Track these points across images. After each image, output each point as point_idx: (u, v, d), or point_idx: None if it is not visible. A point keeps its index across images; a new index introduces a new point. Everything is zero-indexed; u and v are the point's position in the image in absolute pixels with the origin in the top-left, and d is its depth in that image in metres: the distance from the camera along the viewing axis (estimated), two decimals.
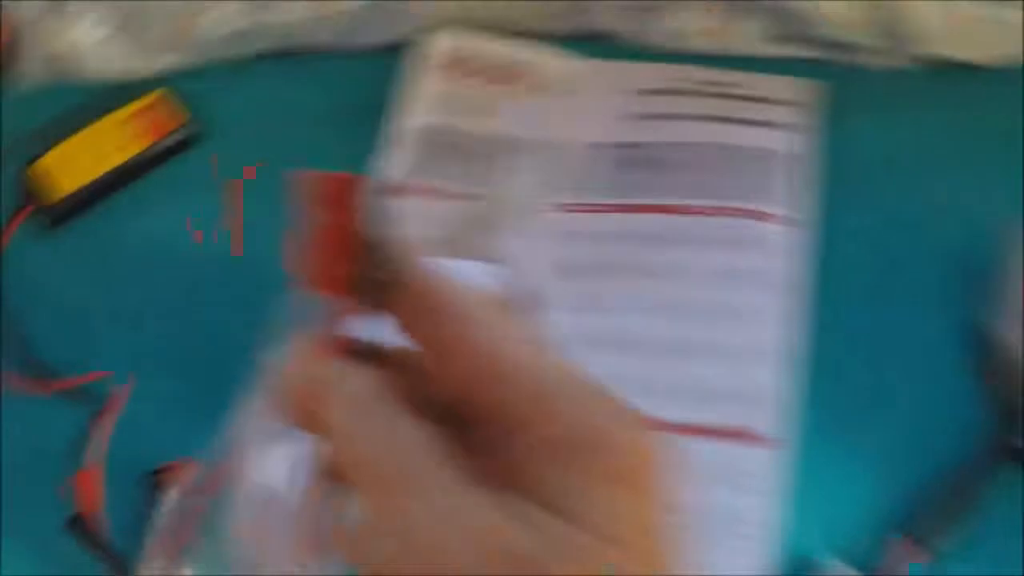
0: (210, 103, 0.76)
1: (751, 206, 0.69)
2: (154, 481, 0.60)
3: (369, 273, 0.35)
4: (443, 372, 0.34)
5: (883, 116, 0.73)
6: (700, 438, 0.62)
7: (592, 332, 0.64)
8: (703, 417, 0.62)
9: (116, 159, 0.73)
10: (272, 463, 0.56)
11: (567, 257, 0.67)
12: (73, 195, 0.72)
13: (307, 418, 0.35)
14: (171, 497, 0.59)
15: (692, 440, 0.61)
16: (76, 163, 0.73)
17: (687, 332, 0.65)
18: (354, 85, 0.77)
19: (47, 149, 0.73)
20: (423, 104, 0.75)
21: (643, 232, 0.69)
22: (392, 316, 0.35)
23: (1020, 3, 0.73)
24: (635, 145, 0.72)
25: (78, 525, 0.59)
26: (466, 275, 0.58)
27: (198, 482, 0.59)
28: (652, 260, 0.68)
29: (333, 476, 0.35)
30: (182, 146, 0.75)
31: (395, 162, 0.73)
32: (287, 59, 0.79)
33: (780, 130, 0.72)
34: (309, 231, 0.35)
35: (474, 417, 0.34)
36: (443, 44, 0.77)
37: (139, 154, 0.74)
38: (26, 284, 0.70)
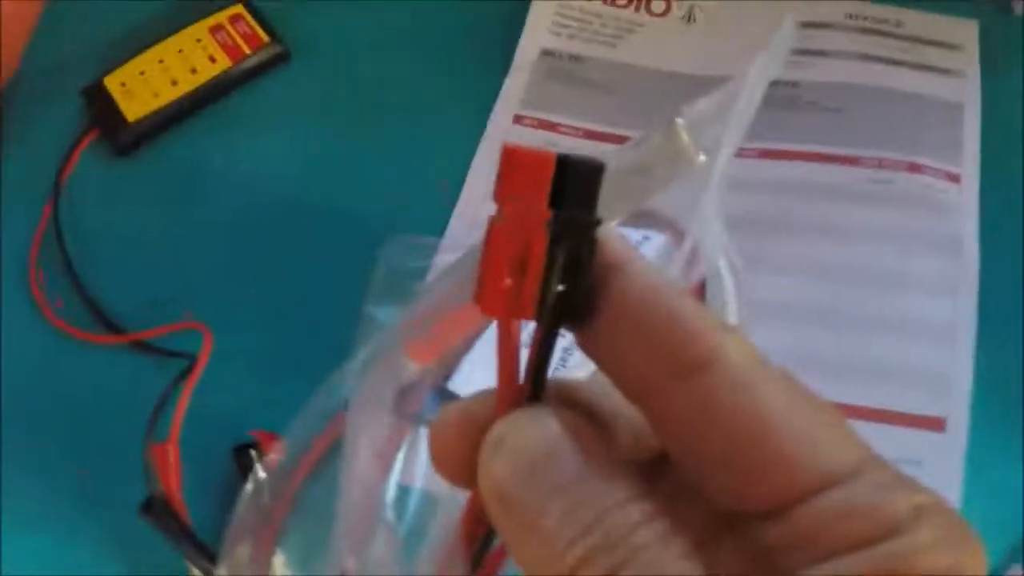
0: (292, 22, 0.67)
1: (920, 160, 0.60)
2: (237, 457, 0.52)
3: (560, 287, 0.24)
4: (662, 421, 0.24)
5: None
6: (873, 422, 0.54)
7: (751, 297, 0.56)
8: (875, 399, 0.55)
9: (191, 81, 0.65)
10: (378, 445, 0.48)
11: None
12: (142, 120, 0.64)
13: (463, 474, 0.25)
14: (257, 475, 0.50)
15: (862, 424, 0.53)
16: (146, 84, 0.64)
17: (855, 302, 0.57)
18: (451, 8, 0.68)
19: (114, 67, 0.65)
20: (537, 28, 0.66)
21: (797, 182, 0.60)
22: (587, 347, 0.26)
23: None
24: (788, 84, 0.63)
25: (155, 507, 0.51)
26: None
27: (288, 459, 0.51)
28: (809, 215, 0.59)
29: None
30: (264, 69, 0.66)
31: (505, 93, 0.64)
32: None
33: (948, 76, 0.63)
34: (490, 224, 0.24)
35: (704, 482, 0.24)
36: None
37: (217, 76, 0.65)
38: (90, 220, 0.62)
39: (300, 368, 0.54)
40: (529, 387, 0.25)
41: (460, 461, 0.25)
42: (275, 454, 0.51)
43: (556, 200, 0.24)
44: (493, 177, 0.63)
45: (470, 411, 0.25)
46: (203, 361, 0.54)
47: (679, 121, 0.50)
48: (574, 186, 0.24)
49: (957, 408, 0.55)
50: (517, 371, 0.25)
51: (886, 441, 0.52)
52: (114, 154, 0.64)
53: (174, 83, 0.64)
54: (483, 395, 0.25)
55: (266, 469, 0.51)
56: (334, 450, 0.50)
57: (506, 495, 0.24)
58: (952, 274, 0.57)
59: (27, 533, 0.53)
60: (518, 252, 0.24)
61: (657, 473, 0.25)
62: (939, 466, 0.54)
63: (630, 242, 0.25)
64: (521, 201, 0.24)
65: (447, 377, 0.50)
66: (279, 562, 0.49)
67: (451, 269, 0.54)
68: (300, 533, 0.50)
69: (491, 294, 0.24)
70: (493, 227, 0.24)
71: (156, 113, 0.64)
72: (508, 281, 0.24)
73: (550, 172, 0.24)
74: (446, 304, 0.51)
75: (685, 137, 0.50)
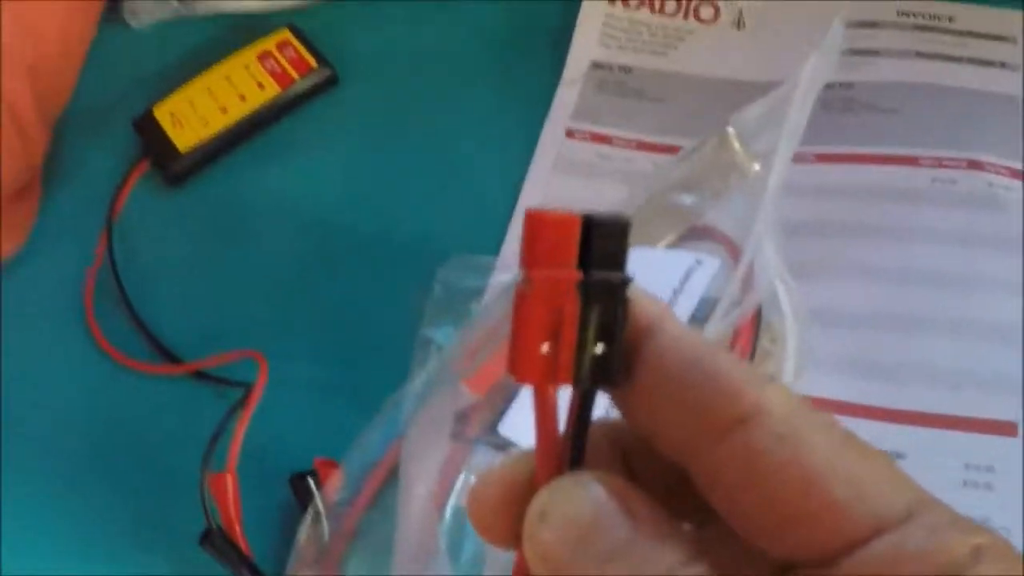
0: (339, 45, 0.67)
1: (981, 157, 0.59)
2: (295, 486, 0.52)
3: (595, 351, 0.24)
4: (706, 478, 0.24)
5: None
6: (942, 429, 0.52)
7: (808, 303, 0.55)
8: (943, 405, 0.53)
9: (241, 109, 0.64)
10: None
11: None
12: (193, 150, 0.63)
13: (506, 538, 0.25)
14: (317, 505, 0.50)
15: (931, 431, 0.52)
16: (196, 113, 0.64)
17: (918, 305, 0.55)
18: (497, 23, 0.68)
19: (163, 96, 0.65)
20: (587, 40, 0.66)
21: (856, 186, 0.59)
22: (624, 407, 0.25)
23: None
24: (843, 85, 0.61)
25: (213, 538, 0.50)
26: (660, 270, 0.48)
27: (347, 488, 0.50)
28: (869, 218, 0.58)
29: None
30: (314, 93, 0.66)
31: (556, 107, 0.64)
32: None
33: (1004, 70, 0.62)
34: (519, 292, 0.24)
35: (753, 534, 0.23)
36: None
37: (266, 103, 0.65)
38: (143, 251, 0.62)
39: (358, 394, 0.55)
40: (570, 452, 0.24)
41: (503, 527, 0.25)
42: (334, 482, 0.51)
43: (584, 261, 0.23)
44: (547, 191, 0.63)
45: (510, 477, 0.25)
46: (259, 389, 0.53)
47: (730, 130, 0.49)
48: (602, 246, 0.24)
49: None
50: (556, 437, 0.24)
51: (956, 448, 0.51)
52: (166, 184, 0.64)
53: (224, 111, 0.64)
54: (522, 458, 0.25)
55: (325, 499, 0.50)
56: (393, 478, 0.50)
57: (556, 564, 0.23)
58: (1019, 272, 0.56)
59: (87, 565, 0.53)
60: (550, 318, 0.23)
61: (703, 520, 0.25)
62: (1012, 472, 0.52)
63: (661, 300, 0.25)
64: (549, 265, 0.23)
65: (497, 418, 0.49)
66: None
67: (503, 294, 0.53)
68: (361, 563, 0.49)
69: (525, 362, 0.24)
70: (522, 294, 0.23)
71: (206, 142, 0.64)
72: (542, 348, 0.23)
73: (576, 234, 0.23)
74: (498, 334, 0.50)
75: (737, 145, 0.50)
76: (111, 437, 0.57)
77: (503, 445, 0.48)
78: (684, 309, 0.47)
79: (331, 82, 0.66)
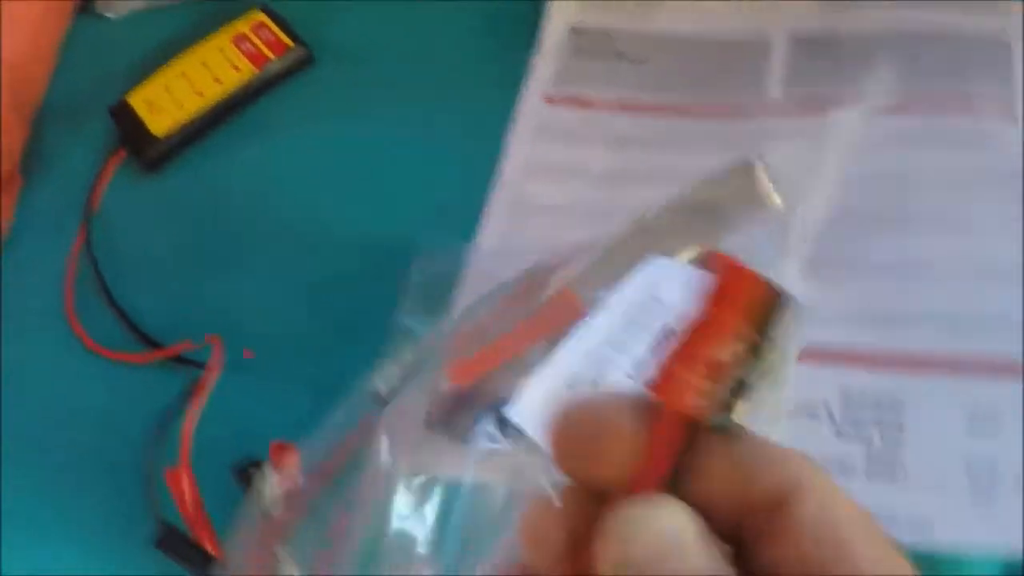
0: (314, 25, 0.66)
1: (973, 99, 0.57)
2: (250, 472, 0.51)
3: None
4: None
5: None
6: (943, 374, 0.50)
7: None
8: (946, 346, 0.51)
9: (217, 91, 0.63)
10: None
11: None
12: (169, 134, 0.62)
13: (556, 555, 0.26)
14: (271, 485, 0.48)
15: (937, 377, 0.50)
16: (171, 98, 0.63)
17: (918, 248, 0.54)
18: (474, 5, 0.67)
19: (138, 84, 0.64)
20: (564, 5, 0.65)
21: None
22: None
23: None
24: (827, 32, 0.60)
25: (172, 540, 0.48)
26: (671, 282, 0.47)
27: (305, 470, 0.48)
28: (863, 166, 0.56)
29: None
30: (289, 73, 0.65)
31: (534, 76, 0.63)
32: None
33: (990, 14, 0.60)
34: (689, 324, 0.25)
35: None
36: None
37: (242, 85, 0.64)
38: (120, 238, 0.61)
39: (331, 380, 0.53)
40: (669, 475, 0.25)
41: (554, 542, 0.26)
42: (292, 466, 0.49)
43: (759, 318, 0.25)
44: (529, 160, 0.60)
45: (572, 499, 0.26)
46: (213, 374, 0.52)
47: (759, 164, 0.48)
48: (775, 312, 0.25)
49: None
50: (670, 461, 0.25)
51: (962, 397, 0.49)
52: (144, 171, 0.63)
53: (199, 94, 0.63)
54: (577, 492, 0.26)
55: (281, 482, 0.48)
56: (352, 462, 0.48)
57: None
58: (1016, 211, 0.54)
59: (69, 557, 0.52)
60: (713, 354, 0.25)
61: None
62: (1018, 418, 0.50)
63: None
64: (725, 308, 0.25)
65: (501, 402, 0.48)
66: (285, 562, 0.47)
67: (494, 293, 0.52)
68: (304, 541, 0.47)
69: (679, 386, 0.25)
70: (694, 324, 0.25)
71: (183, 126, 0.63)
72: (700, 380, 0.24)
73: (763, 294, 0.25)
74: (491, 329, 0.49)
75: (765, 179, 0.48)
76: (92, 427, 0.55)
77: (493, 436, 0.47)
78: None
79: (307, 62, 0.65)
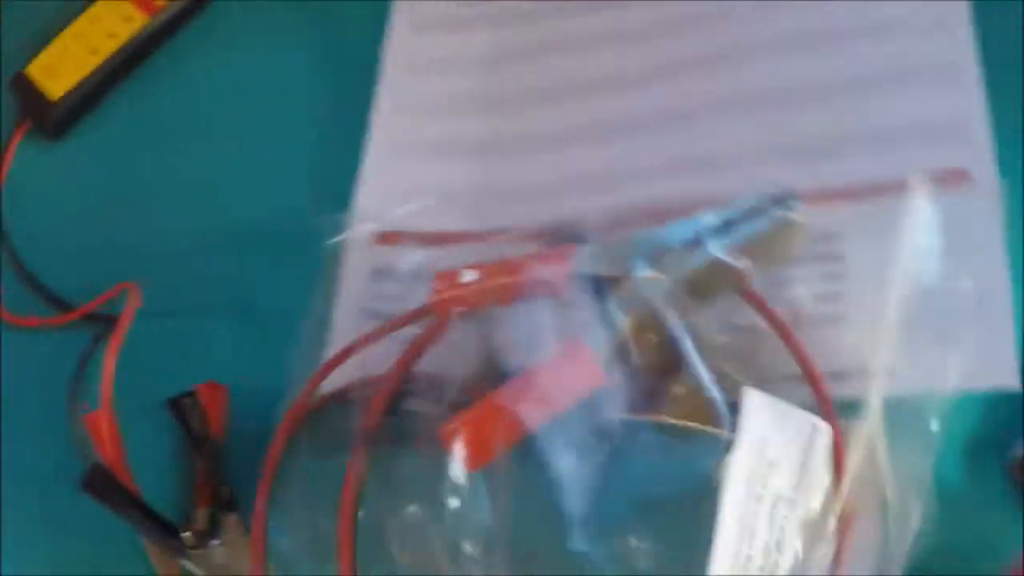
0: None
1: None
2: (173, 409, 0.48)
3: None
4: None
5: None
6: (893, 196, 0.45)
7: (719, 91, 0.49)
8: (888, 164, 0.47)
9: (111, 45, 0.61)
10: None
11: None
12: (67, 96, 0.60)
13: None
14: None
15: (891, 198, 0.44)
16: (67, 62, 0.61)
17: (841, 66, 0.50)
18: None
19: (35, 54, 0.62)
20: None
21: None
22: None
23: None
24: None
25: (96, 481, 0.46)
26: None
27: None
28: None
29: None
30: (185, 17, 0.62)
31: None
32: None
33: None
34: None
35: None
36: None
37: (136, 34, 0.61)
38: (30, 207, 0.59)
39: (250, 321, 0.53)
40: None
41: None
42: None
43: None
44: (411, 60, 0.55)
45: None
46: (127, 318, 0.50)
47: (796, 218, 0.43)
48: None
49: (981, 156, 0.46)
50: None
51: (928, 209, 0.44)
52: (49, 139, 0.61)
53: (94, 52, 0.61)
54: None
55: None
56: None
57: None
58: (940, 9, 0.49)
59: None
60: None
61: None
62: (974, 228, 0.45)
63: None
64: None
65: None
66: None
67: None
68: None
69: None
70: None
71: (80, 85, 0.60)
72: None
73: None
74: None
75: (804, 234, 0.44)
76: (16, 396, 0.53)
77: None
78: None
79: (200, 3, 0.62)
